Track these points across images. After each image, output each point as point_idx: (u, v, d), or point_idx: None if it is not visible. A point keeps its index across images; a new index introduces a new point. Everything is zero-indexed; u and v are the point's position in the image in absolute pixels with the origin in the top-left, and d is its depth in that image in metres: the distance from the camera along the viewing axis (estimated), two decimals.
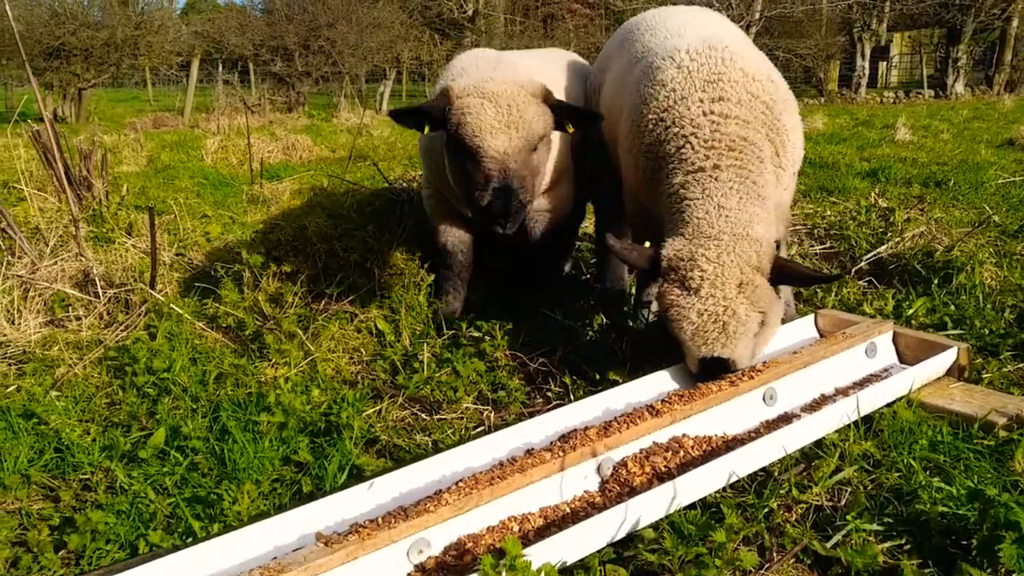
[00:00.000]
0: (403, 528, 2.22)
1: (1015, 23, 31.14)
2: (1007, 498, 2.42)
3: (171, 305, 3.83)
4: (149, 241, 4.24)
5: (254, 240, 4.14)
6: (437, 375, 3.46)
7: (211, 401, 3.36)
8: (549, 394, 3.46)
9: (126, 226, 5.06)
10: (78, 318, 3.96)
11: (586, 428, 2.67)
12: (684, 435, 2.83)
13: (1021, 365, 3.47)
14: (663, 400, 2.84)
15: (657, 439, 2.77)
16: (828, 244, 4.66)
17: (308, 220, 3.99)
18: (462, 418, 3.25)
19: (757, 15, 26.74)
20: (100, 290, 4.00)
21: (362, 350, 3.68)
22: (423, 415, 3.29)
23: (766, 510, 2.59)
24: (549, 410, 3.03)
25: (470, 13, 24.34)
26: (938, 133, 15.06)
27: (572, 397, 3.39)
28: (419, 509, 2.27)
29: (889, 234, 4.49)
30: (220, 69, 25.04)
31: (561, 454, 2.52)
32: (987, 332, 3.73)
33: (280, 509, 2.56)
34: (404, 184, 5.33)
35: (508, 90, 3.43)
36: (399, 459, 3.01)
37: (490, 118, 3.36)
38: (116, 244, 4.66)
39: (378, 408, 3.31)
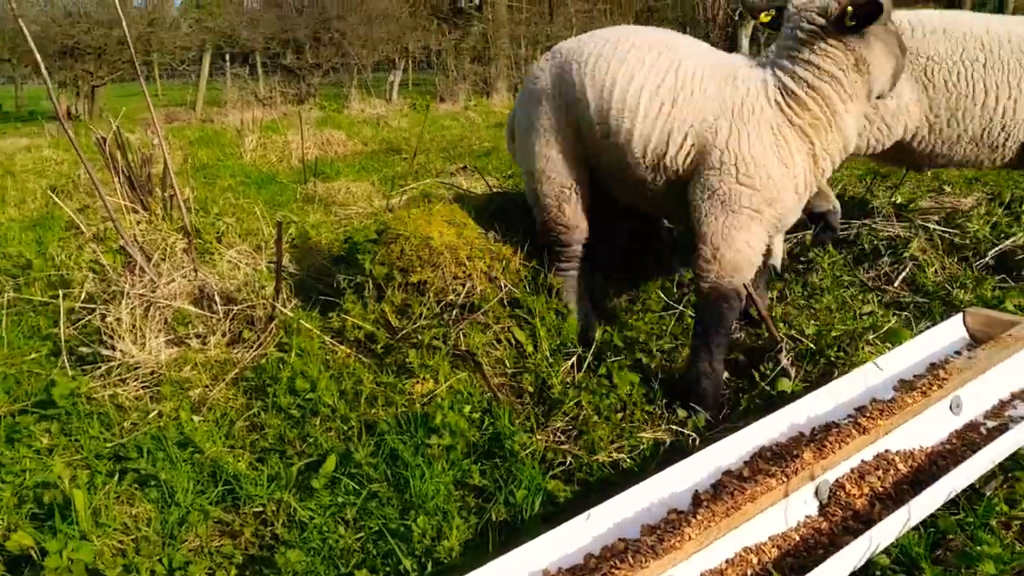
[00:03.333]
0: (654, 568, 2.07)
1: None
2: None
3: (300, 321, 3.65)
4: (270, 253, 4.07)
5: (372, 249, 3.95)
6: (588, 386, 3.29)
7: (363, 422, 3.20)
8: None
9: (217, 235, 4.88)
10: (198, 336, 3.78)
11: (798, 449, 2.52)
12: (887, 451, 2.68)
13: None
14: (866, 415, 2.67)
15: (864, 457, 2.62)
16: (956, 234, 4.50)
17: (431, 230, 3.80)
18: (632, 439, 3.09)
19: None
20: (219, 306, 3.81)
21: (506, 361, 3.51)
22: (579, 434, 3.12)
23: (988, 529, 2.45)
24: (731, 431, 2.87)
25: (477, 2, 24.00)
26: None
27: (739, 406, 3.22)
28: (666, 547, 2.11)
29: (1015, 227, 4.33)
30: (228, 63, 24.66)
31: (784, 479, 2.37)
32: None
33: (497, 547, 2.41)
34: (498, 186, 5.13)
35: None
36: (583, 482, 2.85)
37: None
38: (215, 256, 4.48)
39: (544, 425, 3.15)
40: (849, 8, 3.05)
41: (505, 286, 3.75)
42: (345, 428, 3.18)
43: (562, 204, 3.67)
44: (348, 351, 3.66)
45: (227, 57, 24.46)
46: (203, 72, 22.43)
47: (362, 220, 6.87)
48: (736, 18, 26.96)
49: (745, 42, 27.23)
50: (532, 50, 30.19)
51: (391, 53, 23.64)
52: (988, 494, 2.62)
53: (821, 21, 3.16)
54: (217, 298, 3.85)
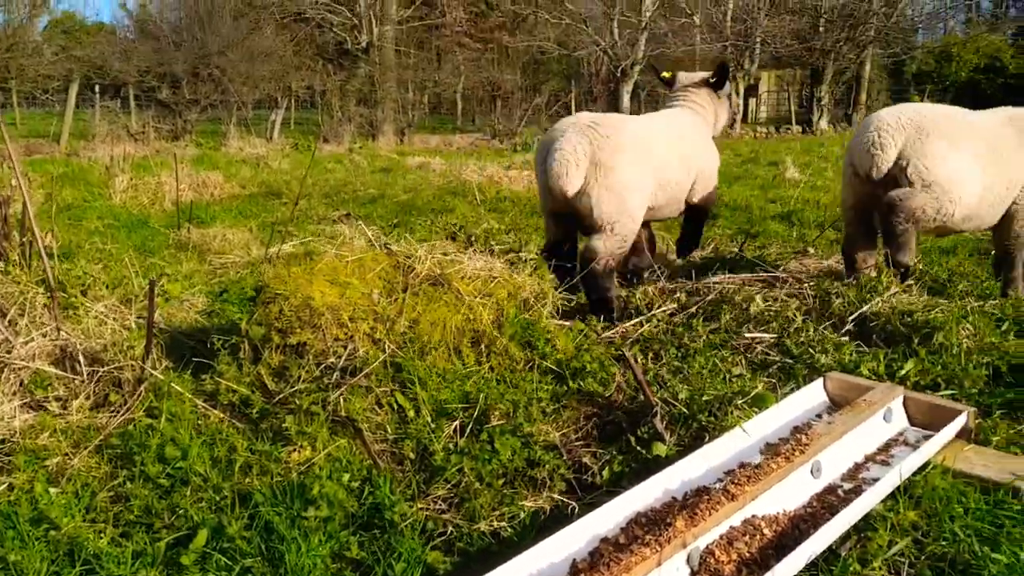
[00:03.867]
0: None
1: (868, 67, 33.64)
2: None
3: (171, 383, 3.55)
4: (140, 306, 3.94)
5: (249, 308, 3.90)
6: (471, 452, 3.33)
7: (236, 492, 3.12)
8: (588, 464, 3.40)
9: (82, 288, 4.68)
10: (59, 399, 3.61)
11: (671, 516, 2.63)
12: (754, 516, 2.83)
13: (1016, 425, 3.64)
14: (734, 482, 2.83)
15: (733, 523, 2.77)
16: (823, 300, 4.82)
17: (313, 289, 3.79)
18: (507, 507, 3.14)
19: (641, 54, 27.75)
20: (84, 367, 3.66)
21: (387, 427, 3.51)
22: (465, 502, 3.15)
23: None
24: (607, 495, 2.98)
25: (364, 44, 24.08)
26: (822, 171, 15.90)
27: (612, 470, 3.33)
28: None
29: (871, 295, 4.68)
30: (98, 94, 23.74)
31: (658, 548, 2.46)
32: (975, 392, 3.91)
33: None
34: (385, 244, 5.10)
35: None
36: (463, 552, 2.87)
37: None
38: (80, 311, 4.30)
39: (425, 493, 3.17)
40: (712, 77, 6.19)
41: (389, 348, 3.76)
42: (217, 499, 3.10)
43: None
44: (222, 416, 3.58)
45: (96, 88, 23.55)
46: (69, 102, 21.51)
47: (239, 270, 6.75)
48: (618, 75, 28.20)
49: (626, 97, 28.42)
50: (419, 95, 30.49)
51: (273, 91, 23.36)
52: (843, 555, 2.80)
53: (700, 81, 6.23)
54: (81, 358, 3.69)
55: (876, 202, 5.31)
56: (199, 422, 3.53)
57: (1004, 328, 4.56)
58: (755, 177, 15.09)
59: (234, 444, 3.37)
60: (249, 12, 22.95)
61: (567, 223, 5.31)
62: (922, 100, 34.68)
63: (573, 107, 28.34)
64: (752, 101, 35.09)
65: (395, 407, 3.60)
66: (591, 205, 5.00)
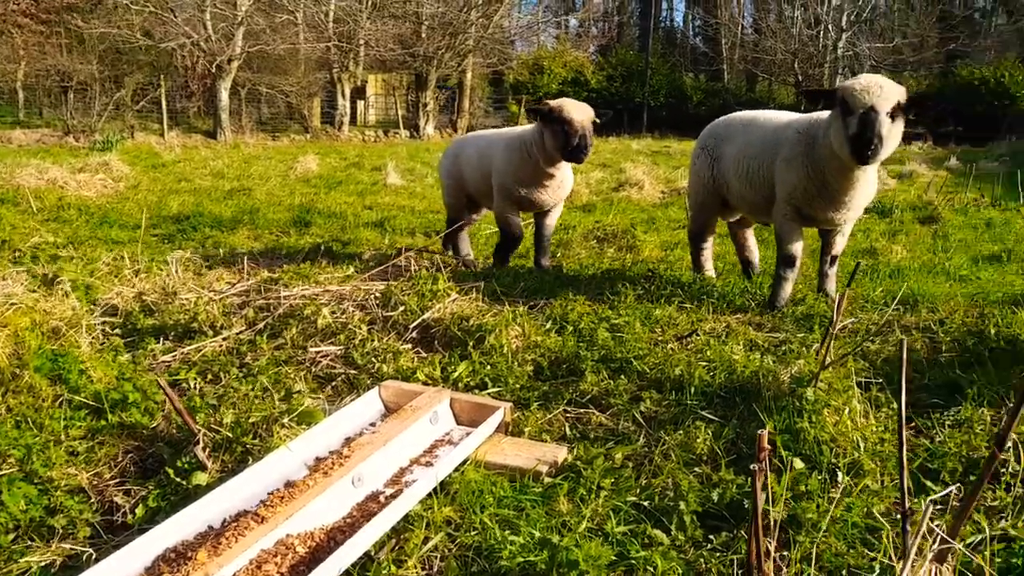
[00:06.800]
0: None
1: (469, 75, 36.28)
2: (567, 541, 3.03)
3: None
4: None
5: None
6: None
7: None
8: (121, 503, 3.29)
9: None
10: None
11: (194, 551, 2.66)
12: (288, 535, 2.96)
13: (547, 414, 4.22)
14: (266, 504, 2.93)
15: (264, 545, 2.86)
16: (389, 310, 5.12)
17: None
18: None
19: (238, 50, 27.12)
20: None
21: None
22: None
23: None
24: (139, 534, 2.92)
25: None
26: (423, 177, 16.88)
27: (147, 507, 3.26)
28: None
29: (432, 302, 5.10)
30: None
31: None
32: (518, 387, 4.46)
33: None
34: None
35: None
36: None
37: None
38: None
39: None
40: (538, 114, 6.89)
41: None
42: None
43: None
44: None
45: None
46: None
47: None
48: (214, 70, 27.29)
49: (224, 94, 27.62)
50: None
51: None
52: (381, 558, 3.04)
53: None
54: None
55: None
56: None
57: (548, 328, 5.25)
58: (357, 183, 15.57)
59: None
60: None
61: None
62: (519, 109, 38.35)
63: (163, 103, 26.84)
64: (360, 104, 36.06)
65: None
66: None
